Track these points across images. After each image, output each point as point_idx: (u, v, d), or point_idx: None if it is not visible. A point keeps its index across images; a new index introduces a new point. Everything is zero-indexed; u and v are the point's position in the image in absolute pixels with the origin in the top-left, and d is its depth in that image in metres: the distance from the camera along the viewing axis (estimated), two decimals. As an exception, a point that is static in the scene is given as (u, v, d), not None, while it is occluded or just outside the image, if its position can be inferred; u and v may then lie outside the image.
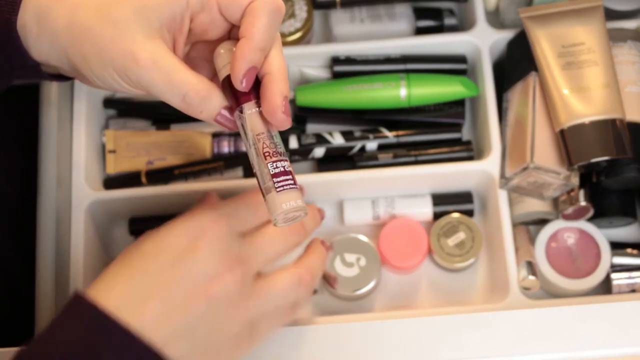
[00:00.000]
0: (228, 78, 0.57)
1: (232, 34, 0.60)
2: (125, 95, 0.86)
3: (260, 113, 0.56)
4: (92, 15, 0.55)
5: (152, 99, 0.85)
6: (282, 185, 0.55)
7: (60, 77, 0.62)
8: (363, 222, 0.83)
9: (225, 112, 0.57)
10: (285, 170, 0.55)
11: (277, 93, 0.56)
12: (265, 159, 0.55)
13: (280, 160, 0.56)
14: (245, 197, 0.68)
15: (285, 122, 0.56)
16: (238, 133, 0.60)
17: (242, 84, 0.55)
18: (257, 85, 0.57)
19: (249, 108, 0.57)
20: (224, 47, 0.58)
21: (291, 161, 0.84)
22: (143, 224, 0.83)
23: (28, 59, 0.58)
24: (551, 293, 0.81)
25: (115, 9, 0.55)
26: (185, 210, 0.66)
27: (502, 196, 0.79)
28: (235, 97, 0.57)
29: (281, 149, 0.57)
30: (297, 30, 0.86)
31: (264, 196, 0.56)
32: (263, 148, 0.56)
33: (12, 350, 0.68)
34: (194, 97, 0.55)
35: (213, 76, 0.61)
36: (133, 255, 0.60)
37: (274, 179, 0.55)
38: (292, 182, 0.56)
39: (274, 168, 0.55)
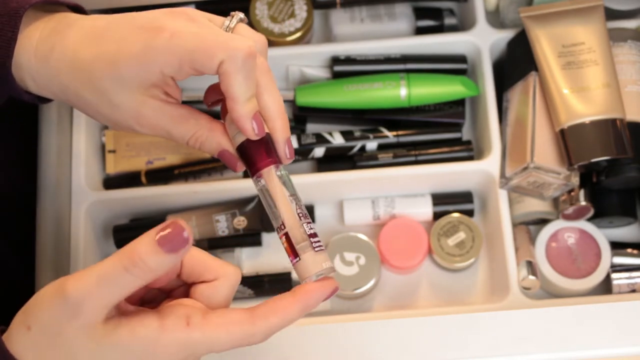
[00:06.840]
0: (241, 145, 0.56)
1: None
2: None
3: (280, 176, 0.56)
4: (80, 84, 0.56)
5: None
6: (319, 246, 0.55)
7: None
8: (363, 222, 0.83)
9: (227, 151, 0.58)
10: (315, 232, 0.55)
11: (280, 139, 0.57)
12: (301, 220, 0.55)
13: (310, 222, 0.56)
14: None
15: (287, 159, 0.57)
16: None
17: (255, 133, 0.55)
18: (269, 146, 0.56)
19: (271, 173, 0.56)
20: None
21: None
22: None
23: (24, 95, 0.59)
24: (551, 293, 0.81)
25: (97, 78, 0.55)
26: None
27: (502, 196, 0.79)
28: (252, 162, 0.56)
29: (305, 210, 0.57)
30: (297, 30, 0.86)
31: (295, 256, 0.54)
32: (297, 209, 0.55)
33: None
34: (194, 144, 0.58)
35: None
36: None
37: (311, 239, 0.54)
38: (321, 243, 0.56)
39: (310, 229, 0.55)
